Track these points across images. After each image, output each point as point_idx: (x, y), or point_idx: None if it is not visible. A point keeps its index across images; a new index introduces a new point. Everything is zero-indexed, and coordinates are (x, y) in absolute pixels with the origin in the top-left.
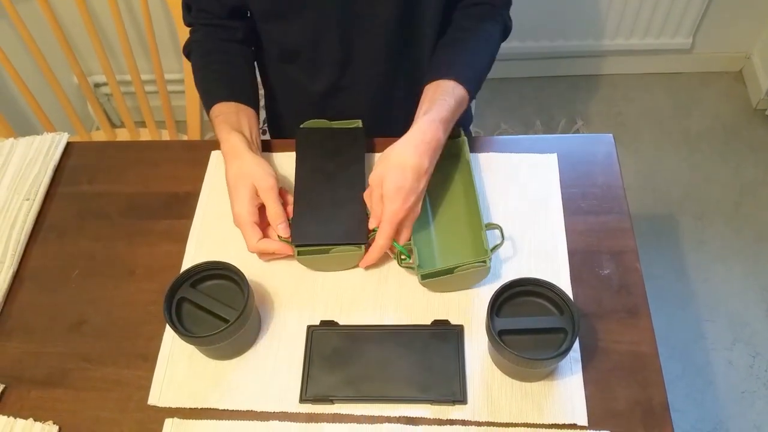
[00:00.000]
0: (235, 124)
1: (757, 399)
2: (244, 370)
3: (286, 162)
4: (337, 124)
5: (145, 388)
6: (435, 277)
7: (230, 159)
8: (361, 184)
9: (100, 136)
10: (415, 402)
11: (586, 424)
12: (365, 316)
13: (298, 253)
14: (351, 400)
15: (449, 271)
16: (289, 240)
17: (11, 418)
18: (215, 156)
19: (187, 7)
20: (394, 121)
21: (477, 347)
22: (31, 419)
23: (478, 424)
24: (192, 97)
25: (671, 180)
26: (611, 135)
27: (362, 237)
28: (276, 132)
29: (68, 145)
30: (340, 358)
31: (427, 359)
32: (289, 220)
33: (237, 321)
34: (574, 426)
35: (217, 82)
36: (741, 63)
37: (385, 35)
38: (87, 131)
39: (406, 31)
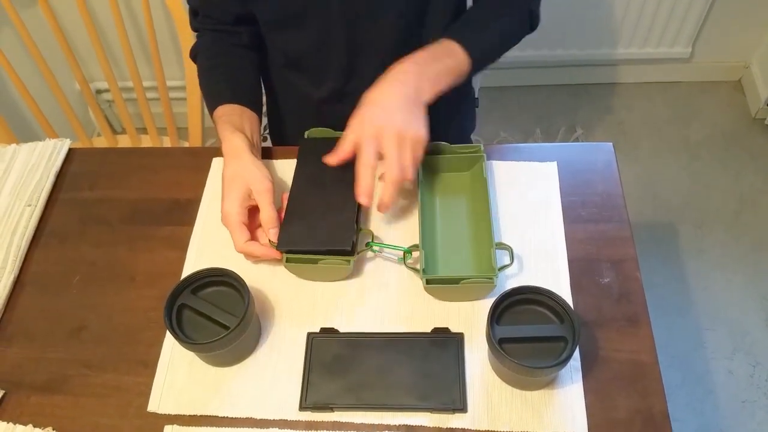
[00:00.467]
0: (238, 125)
1: (757, 409)
2: (244, 377)
3: (286, 169)
4: (341, 134)
5: (145, 394)
6: (439, 285)
7: (230, 158)
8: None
9: (101, 142)
10: (415, 410)
11: None
12: (365, 324)
13: (287, 260)
14: (351, 408)
15: (455, 281)
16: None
17: (11, 424)
18: (216, 163)
19: (193, 13)
20: None
21: (477, 355)
22: (30, 425)
23: None
24: (193, 103)
25: (671, 188)
26: (611, 143)
27: (349, 248)
28: (277, 138)
29: (70, 151)
30: (340, 366)
31: (427, 367)
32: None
33: (237, 328)
34: None
35: (222, 85)
36: (740, 72)
37: (390, 44)
38: (89, 137)
39: (410, 39)
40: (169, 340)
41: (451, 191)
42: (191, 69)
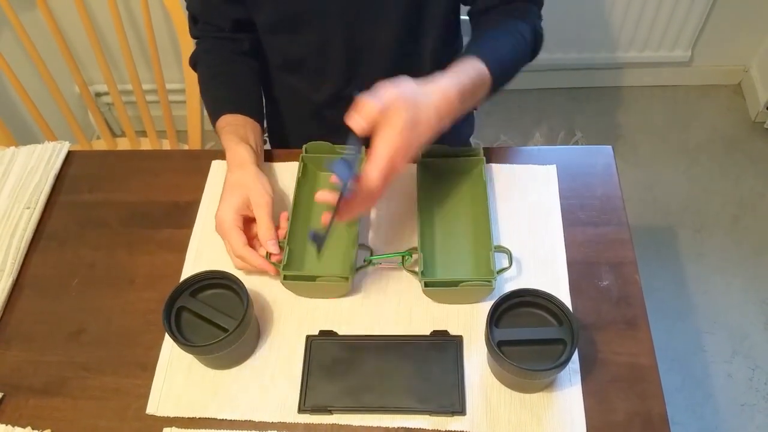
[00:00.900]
0: (242, 135)
1: (756, 412)
2: (242, 380)
3: (286, 172)
4: (340, 148)
5: (144, 397)
6: (438, 287)
7: (234, 167)
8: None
9: (101, 145)
10: (413, 413)
11: None
12: (364, 326)
13: (284, 278)
14: (350, 411)
15: (453, 284)
16: (277, 261)
17: (9, 427)
18: (216, 165)
19: (193, 20)
20: None
21: (476, 358)
22: (29, 428)
23: None
24: (193, 107)
25: (670, 192)
26: (610, 147)
27: (348, 270)
28: (277, 141)
29: (69, 154)
30: (338, 369)
31: (426, 370)
32: (280, 242)
33: (236, 330)
34: None
35: (224, 93)
36: (740, 76)
37: (389, 46)
38: (88, 140)
39: (409, 41)
40: (168, 343)
41: (450, 194)
42: (190, 72)
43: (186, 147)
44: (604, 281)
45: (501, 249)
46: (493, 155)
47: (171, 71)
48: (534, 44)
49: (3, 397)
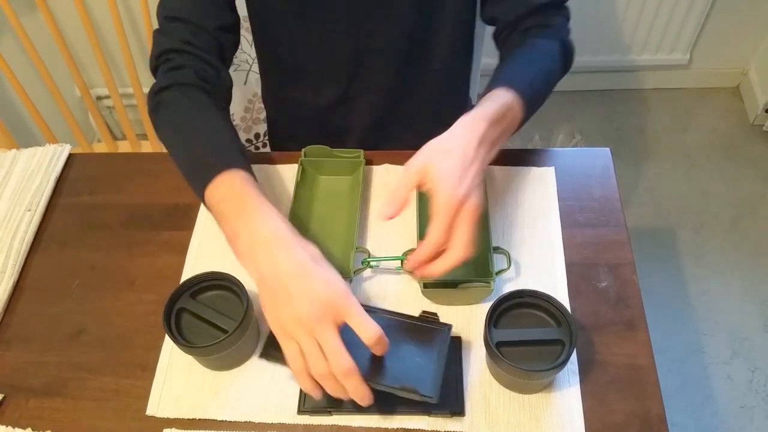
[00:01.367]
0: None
1: (756, 414)
2: (242, 381)
3: (286, 175)
4: (338, 152)
5: (144, 398)
6: (437, 289)
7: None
8: (354, 219)
9: (101, 148)
10: (413, 414)
11: None
12: None
13: None
14: (349, 412)
15: (452, 285)
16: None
17: (9, 428)
18: None
19: (166, 32)
20: (397, 135)
21: (475, 359)
22: (29, 429)
23: None
24: None
25: (670, 194)
26: (608, 149)
27: (351, 278)
28: (277, 143)
29: (70, 156)
30: None
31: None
32: None
33: (236, 331)
34: None
35: (215, 140)
36: (738, 78)
37: (396, 50)
38: (89, 143)
39: (417, 48)
40: (168, 344)
41: None
42: None
43: None
44: (603, 282)
45: (500, 250)
46: None
47: None
48: (565, 59)
49: (4, 398)
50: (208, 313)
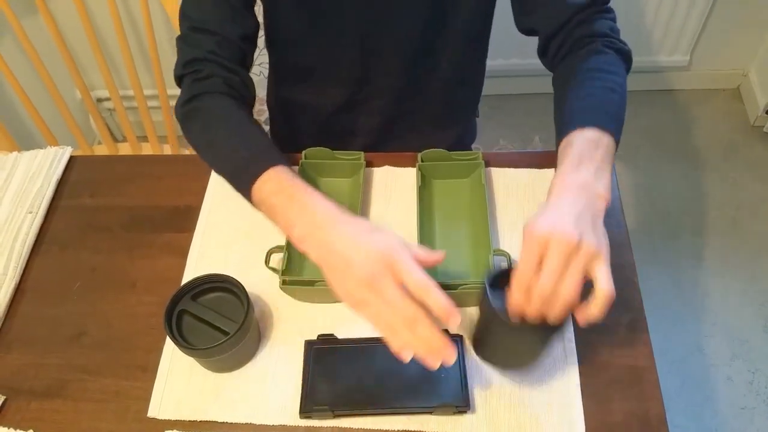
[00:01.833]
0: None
1: (756, 415)
2: (243, 383)
3: None
4: (339, 154)
5: (145, 399)
6: None
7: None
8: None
9: (102, 150)
10: (414, 413)
11: None
12: (364, 330)
13: (283, 282)
14: (351, 413)
15: (453, 288)
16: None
17: (11, 430)
18: None
19: (193, 42)
20: (402, 135)
21: (476, 360)
22: (30, 431)
23: None
24: None
25: (669, 196)
26: None
27: None
28: (278, 146)
29: (71, 159)
30: (339, 372)
31: (426, 370)
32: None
33: (237, 333)
34: None
35: (263, 142)
36: (738, 80)
37: (405, 55)
38: (89, 145)
39: (426, 52)
40: (169, 346)
41: (450, 198)
42: None
43: (187, 152)
44: None
45: (500, 252)
46: (492, 159)
47: (172, 77)
48: (626, 63)
49: (5, 400)
50: (209, 315)
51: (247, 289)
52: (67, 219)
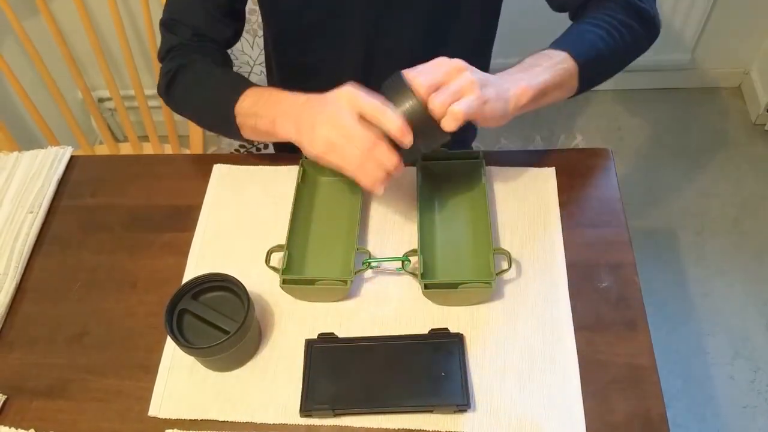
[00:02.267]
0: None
1: (759, 414)
2: (244, 382)
3: (286, 177)
4: None
5: (146, 399)
6: (438, 289)
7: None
8: (355, 220)
9: (103, 150)
10: (415, 412)
11: None
12: (364, 328)
13: (283, 282)
14: (352, 412)
15: (453, 286)
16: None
17: (13, 429)
18: (217, 169)
19: (171, 29)
20: None
21: (476, 359)
22: (32, 430)
23: None
24: None
25: (671, 195)
26: (609, 149)
27: (347, 274)
28: (279, 145)
29: (72, 158)
30: (339, 370)
31: (427, 368)
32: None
33: (237, 332)
34: None
35: (236, 75)
36: (740, 78)
37: (407, 61)
38: (90, 145)
39: (431, 52)
40: (170, 345)
41: (450, 197)
42: None
43: (188, 151)
44: (604, 283)
45: (500, 251)
46: (492, 158)
47: None
48: (643, 26)
49: (6, 400)
50: (210, 314)
51: (248, 289)
52: (68, 219)
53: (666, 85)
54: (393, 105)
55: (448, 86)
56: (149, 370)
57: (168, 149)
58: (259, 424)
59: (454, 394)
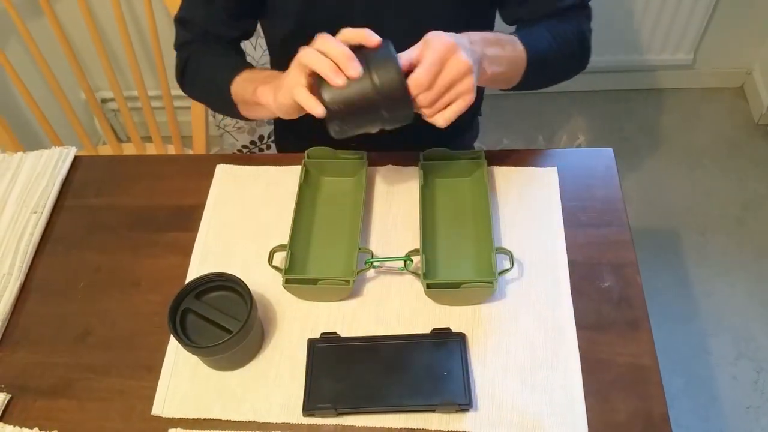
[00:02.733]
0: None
1: (762, 415)
2: (247, 381)
3: (289, 177)
4: (342, 154)
5: (149, 398)
6: (440, 289)
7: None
8: (358, 220)
9: (107, 150)
10: (418, 411)
11: None
12: (367, 328)
13: (286, 281)
14: (354, 411)
15: (455, 285)
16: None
17: (17, 428)
18: (220, 169)
19: (183, 24)
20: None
21: (478, 359)
22: (36, 429)
23: None
24: (197, 112)
25: (673, 195)
26: (611, 149)
27: (350, 273)
28: (282, 146)
29: (76, 159)
30: (342, 370)
31: (429, 368)
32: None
33: (240, 332)
34: None
35: (237, 58)
36: (742, 78)
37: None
38: (94, 146)
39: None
40: (173, 345)
41: (452, 196)
42: None
43: (191, 152)
44: (606, 282)
45: (502, 250)
46: (494, 158)
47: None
48: (580, 44)
49: (11, 398)
50: (213, 314)
51: (251, 288)
52: (72, 219)
53: (668, 86)
54: (374, 71)
55: (444, 89)
56: (152, 369)
57: (171, 150)
58: (262, 423)
59: (456, 394)
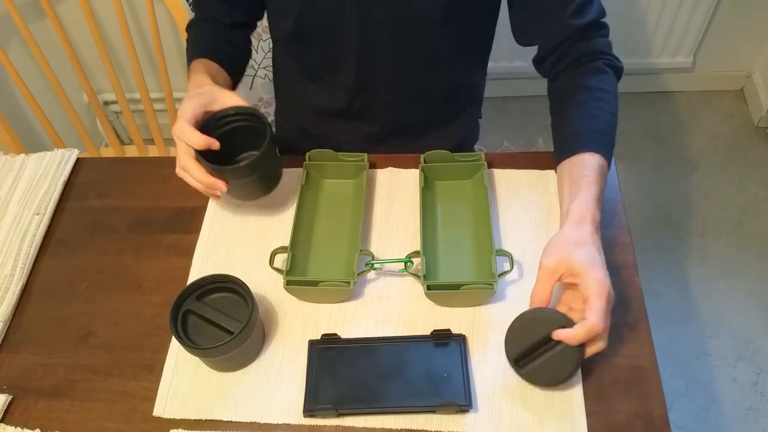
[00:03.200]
0: (213, 74)
1: (762, 417)
2: (248, 383)
3: (291, 178)
4: (342, 156)
5: (151, 399)
6: (440, 291)
7: (194, 87)
8: (358, 222)
9: (109, 152)
10: (418, 412)
11: None
12: (367, 329)
13: (287, 283)
14: (354, 412)
15: (455, 287)
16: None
17: (19, 429)
18: None
19: (197, 4)
20: (405, 140)
21: (478, 360)
22: (38, 430)
23: None
24: None
25: (673, 197)
26: None
27: (350, 275)
28: (283, 147)
29: (78, 161)
30: (342, 371)
31: (430, 369)
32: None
33: (241, 333)
34: None
35: (207, 44)
36: (742, 81)
37: (397, 63)
38: (96, 148)
39: (428, 62)
40: (175, 346)
41: (453, 199)
42: None
43: None
44: None
45: (502, 252)
46: (494, 160)
47: (178, 80)
48: (618, 79)
49: (12, 399)
50: (214, 315)
51: (252, 289)
52: (74, 220)
53: (668, 89)
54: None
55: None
56: (154, 370)
57: (173, 152)
58: (263, 424)
59: (457, 395)
